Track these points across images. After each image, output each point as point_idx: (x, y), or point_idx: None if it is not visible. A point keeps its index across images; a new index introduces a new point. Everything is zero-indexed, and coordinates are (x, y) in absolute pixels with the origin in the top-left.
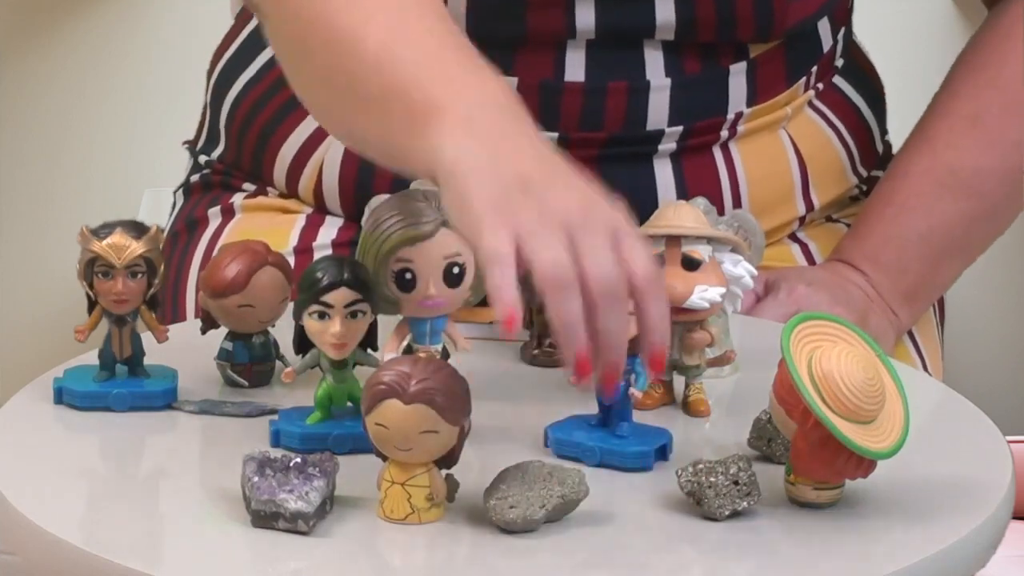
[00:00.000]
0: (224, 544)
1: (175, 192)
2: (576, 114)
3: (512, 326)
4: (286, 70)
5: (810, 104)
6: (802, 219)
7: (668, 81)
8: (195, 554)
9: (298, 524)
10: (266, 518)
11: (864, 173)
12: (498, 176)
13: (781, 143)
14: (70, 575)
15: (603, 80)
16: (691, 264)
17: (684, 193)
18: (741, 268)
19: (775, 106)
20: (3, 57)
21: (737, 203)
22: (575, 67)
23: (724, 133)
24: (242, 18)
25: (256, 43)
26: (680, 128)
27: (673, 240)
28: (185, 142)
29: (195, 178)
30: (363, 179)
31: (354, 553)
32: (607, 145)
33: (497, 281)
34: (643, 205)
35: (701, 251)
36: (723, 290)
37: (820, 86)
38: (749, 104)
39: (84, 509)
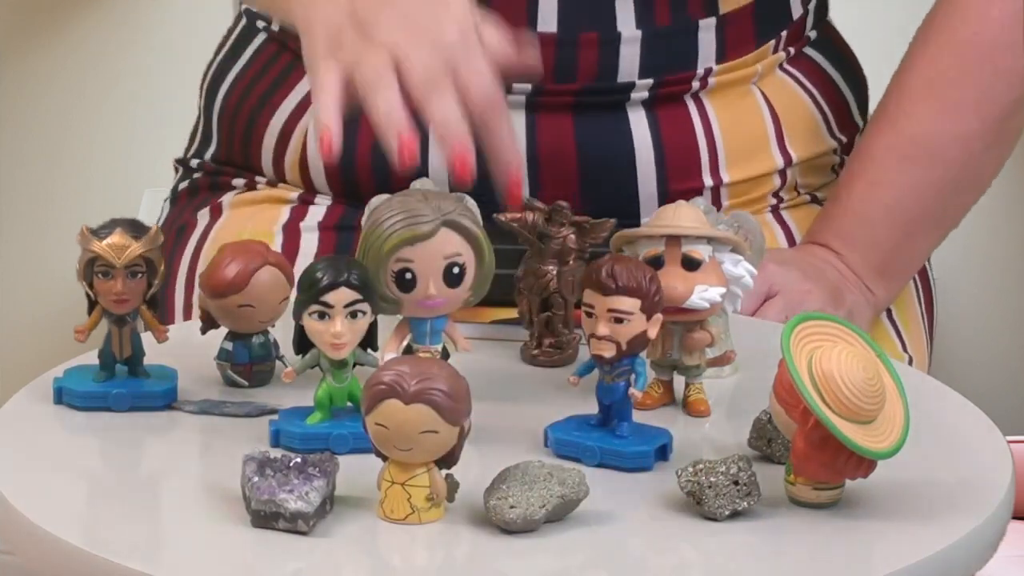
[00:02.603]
0: (224, 544)
1: (165, 201)
2: (550, 66)
3: (328, 150)
4: None
5: (782, 68)
6: (782, 174)
7: (639, 33)
8: (195, 554)
9: (298, 524)
10: (266, 518)
11: (844, 139)
12: (332, 18)
13: (753, 97)
14: (70, 575)
15: (575, 32)
16: (691, 264)
17: (659, 144)
18: (741, 268)
19: (744, 64)
20: (3, 57)
21: (713, 153)
22: (547, 17)
23: (695, 84)
24: (235, 24)
25: (244, 40)
26: (651, 80)
27: (673, 240)
28: (176, 161)
29: (183, 185)
30: (347, 144)
31: (354, 553)
32: (581, 94)
33: (320, 109)
34: (619, 156)
35: (701, 251)
36: (723, 290)
37: (791, 50)
38: (718, 61)
39: (84, 509)
